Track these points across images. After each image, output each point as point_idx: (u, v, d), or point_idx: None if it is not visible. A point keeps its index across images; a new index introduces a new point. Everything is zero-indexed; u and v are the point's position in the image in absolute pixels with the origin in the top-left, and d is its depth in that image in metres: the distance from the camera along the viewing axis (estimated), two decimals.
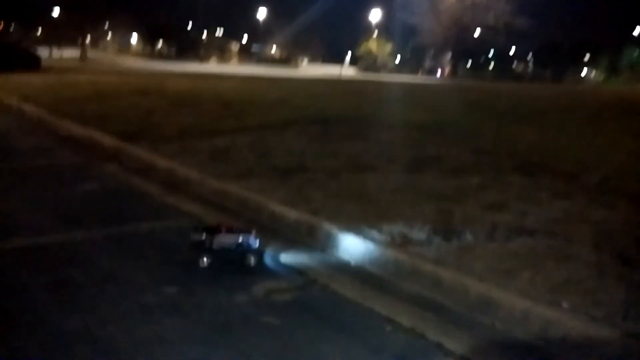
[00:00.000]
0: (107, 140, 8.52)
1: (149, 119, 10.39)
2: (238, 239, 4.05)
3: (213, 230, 4.07)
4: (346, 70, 46.46)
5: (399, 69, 56.06)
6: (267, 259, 4.16)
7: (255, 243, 4.09)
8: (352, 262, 4.14)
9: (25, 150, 8.12)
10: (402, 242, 4.18)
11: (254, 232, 4.13)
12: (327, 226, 4.49)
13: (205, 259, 3.97)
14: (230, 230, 4.11)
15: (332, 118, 9.96)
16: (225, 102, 12.89)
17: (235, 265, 3.99)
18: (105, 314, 3.26)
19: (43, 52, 30.90)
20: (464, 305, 3.48)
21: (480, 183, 5.89)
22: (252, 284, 3.74)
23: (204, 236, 4.02)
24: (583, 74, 60.63)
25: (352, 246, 4.22)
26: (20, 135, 9.55)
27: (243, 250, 4.04)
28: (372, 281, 3.85)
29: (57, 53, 41.64)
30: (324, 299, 3.62)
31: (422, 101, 14.28)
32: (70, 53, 41.88)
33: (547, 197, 5.47)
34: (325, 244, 4.38)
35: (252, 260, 4.03)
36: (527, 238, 4.30)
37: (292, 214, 4.90)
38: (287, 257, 4.19)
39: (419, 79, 43.41)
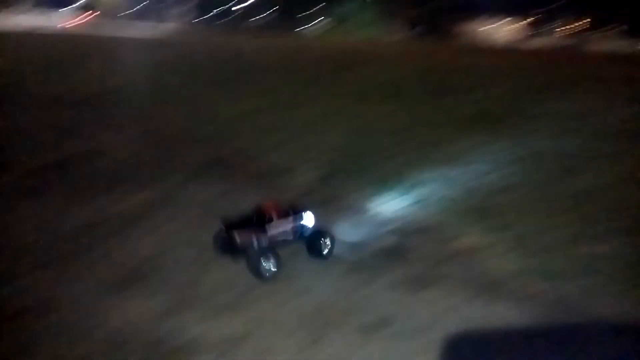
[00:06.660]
0: None
1: None
2: (291, 223, 3.06)
3: (257, 221, 2.90)
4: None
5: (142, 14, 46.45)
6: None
7: (310, 223, 3.20)
8: None
9: None
10: None
11: (305, 209, 3.22)
12: None
13: (268, 265, 2.80)
14: (279, 213, 3.03)
15: None
16: None
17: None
18: None
19: None
20: None
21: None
22: None
23: (239, 235, 2.81)
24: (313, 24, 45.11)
25: None
26: None
27: (311, 235, 3.16)
28: None
29: None
30: None
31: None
32: None
33: None
34: None
35: (327, 245, 3.21)
36: None
37: None
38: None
39: (159, 28, 37.14)
